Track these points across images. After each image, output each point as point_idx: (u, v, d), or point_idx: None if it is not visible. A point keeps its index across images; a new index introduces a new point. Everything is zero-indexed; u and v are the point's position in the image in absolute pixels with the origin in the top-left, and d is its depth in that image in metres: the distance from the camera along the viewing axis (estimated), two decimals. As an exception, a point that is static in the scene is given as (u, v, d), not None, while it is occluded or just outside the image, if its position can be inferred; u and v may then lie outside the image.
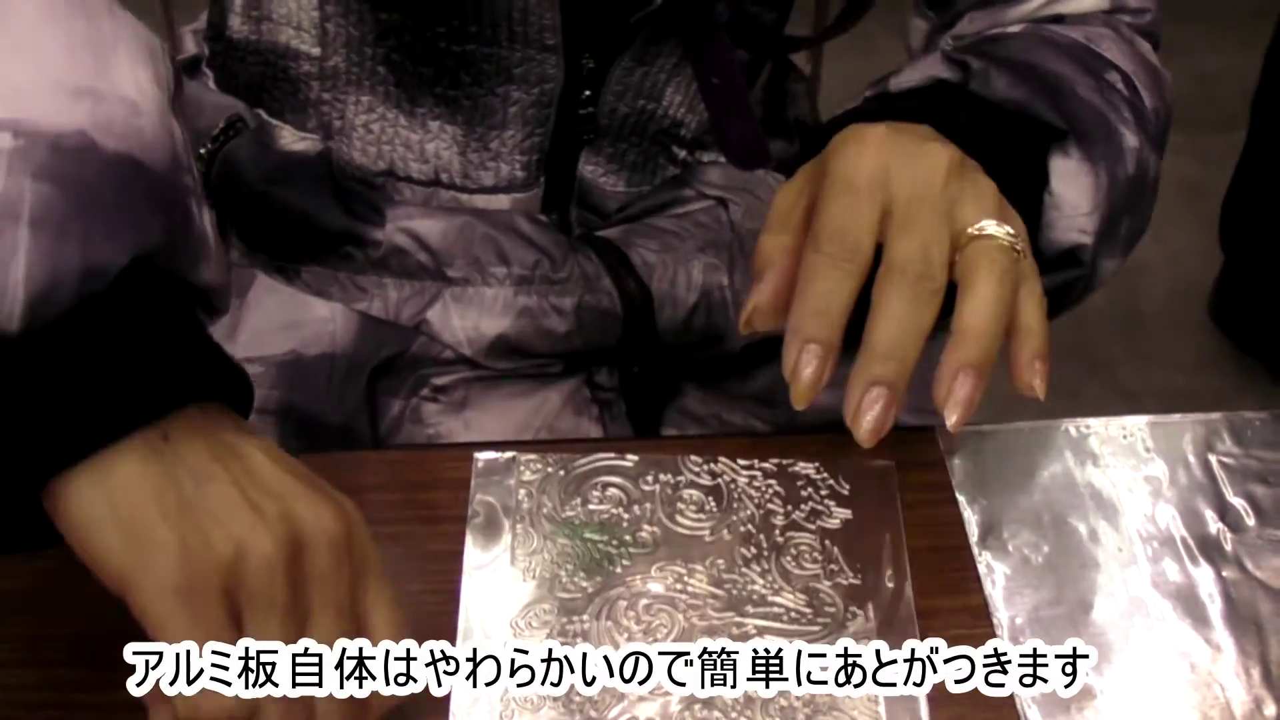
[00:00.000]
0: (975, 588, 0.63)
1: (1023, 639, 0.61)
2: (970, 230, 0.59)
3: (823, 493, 0.66)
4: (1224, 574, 0.64)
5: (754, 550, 0.64)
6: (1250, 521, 0.66)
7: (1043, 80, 0.70)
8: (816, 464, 0.67)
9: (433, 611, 0.61)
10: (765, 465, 0.67)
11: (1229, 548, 0.65)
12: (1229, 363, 1.91)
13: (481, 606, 0.61)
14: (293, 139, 0.82)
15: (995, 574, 0.64)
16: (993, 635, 0.61)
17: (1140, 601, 0.63)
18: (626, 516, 0.65)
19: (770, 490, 0.66)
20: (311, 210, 0.81)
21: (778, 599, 0.62)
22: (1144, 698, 0.59)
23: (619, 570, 0.63)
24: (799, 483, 0.66)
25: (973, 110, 0.69)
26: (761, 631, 0.60)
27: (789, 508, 0.65)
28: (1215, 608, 0.63)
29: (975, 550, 0.64)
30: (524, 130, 0.80)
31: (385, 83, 0.79)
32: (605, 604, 0.61)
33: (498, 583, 0.62)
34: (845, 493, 0.66)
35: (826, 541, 0.64)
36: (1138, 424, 0.71)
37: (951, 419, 0.58)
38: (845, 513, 0.65)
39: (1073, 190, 0.68)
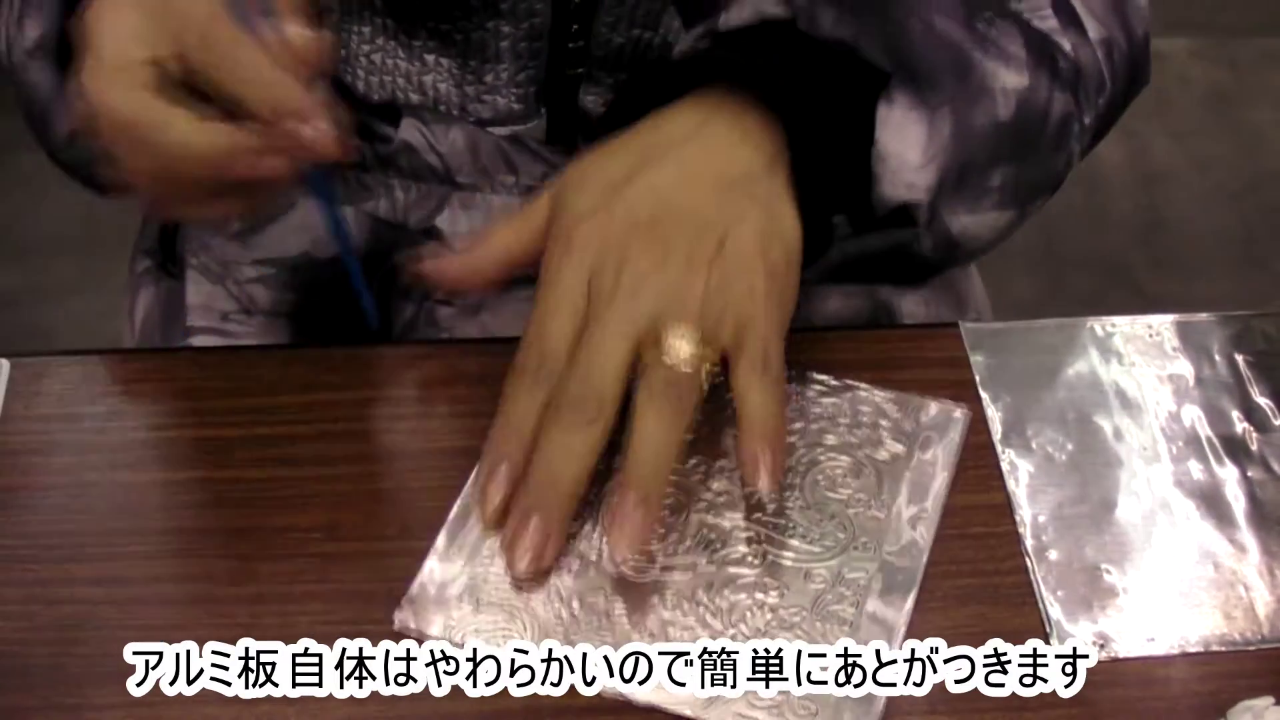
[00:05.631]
0: (998, 485, 0.62)
1: (1045, 537, 0.60)
2: (646, 352, 0.57)
3: (883, 424, 0.64)
4: (1249, 474, 0.63)
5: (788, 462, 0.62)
6: (1276, 421, 0.66)
7: (879, 14, 0.64)
8: (892, 395, 0.65)
9: (437, 507, 0.60)
10: (833, 383, 0.65)
11: (1254, 447, 0.65)
12: (1254, 272, 1.89)
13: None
14: None
15: (1018, 472, 0.63)
16: (1015, 533, 0.61)
17: (1164, 501, 0.62)
18: None
19: (832, 408, 0.64)
20: None
21: (794, 514, 0.60)
22: (1167, 598, 0.59)
23: None
24: (862, 407, 0.64)
25: (803, 51, 0.63)
26: (762, 538, 0.59)
27: (843, 430, 0.63)
28: (1240, 507, 0.62)
29: (998, 448, 0.64)
30: (517, 64, 0.78)
31: (381, 14, 0.78)
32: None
33: None
34: (908, 430, 0.64)
35: (866, 470, 0.62)
36: (1163, 322, 0.70)
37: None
38: (898, 448, 0.63)
39: (898, 141, 0.63)
